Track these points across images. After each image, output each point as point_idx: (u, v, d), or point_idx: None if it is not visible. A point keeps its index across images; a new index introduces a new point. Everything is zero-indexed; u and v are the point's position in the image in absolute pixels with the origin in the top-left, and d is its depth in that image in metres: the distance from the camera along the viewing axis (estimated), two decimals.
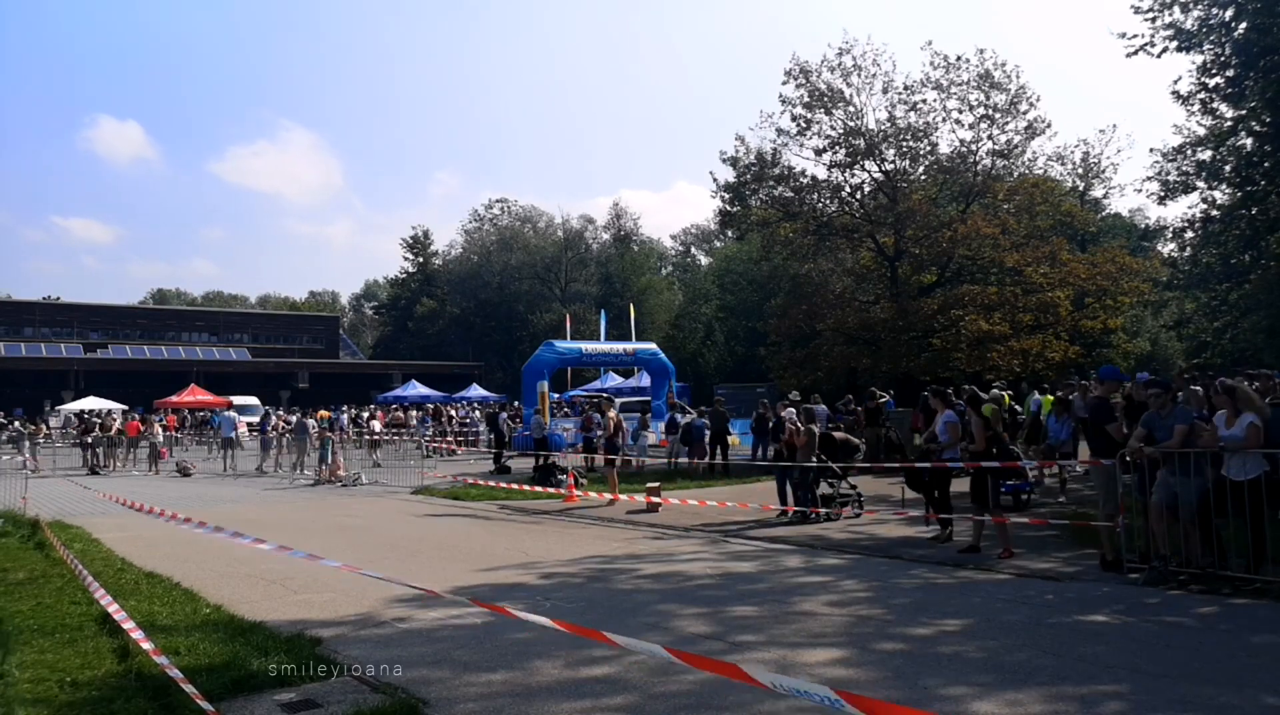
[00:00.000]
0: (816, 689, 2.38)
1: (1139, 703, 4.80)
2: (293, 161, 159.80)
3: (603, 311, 42.88)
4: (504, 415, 26.73)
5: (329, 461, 21.16)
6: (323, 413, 32.55)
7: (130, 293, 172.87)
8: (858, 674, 5.46)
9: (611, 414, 16.43)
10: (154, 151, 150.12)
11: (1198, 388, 11.40)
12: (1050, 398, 15.31)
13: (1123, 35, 20.74)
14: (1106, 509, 8.52)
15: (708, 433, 20.30)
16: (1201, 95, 21.19)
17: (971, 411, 10.12)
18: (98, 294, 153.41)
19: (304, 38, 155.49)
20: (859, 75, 29.18)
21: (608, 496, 14.84)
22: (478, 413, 39.39)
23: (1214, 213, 22.68)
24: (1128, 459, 8.21)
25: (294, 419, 26.23)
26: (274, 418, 27.89)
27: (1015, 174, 31.40)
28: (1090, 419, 9.08)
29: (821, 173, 30.50)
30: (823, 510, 12.31)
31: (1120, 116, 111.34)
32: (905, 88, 29.27)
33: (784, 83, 29.66)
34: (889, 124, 29.52)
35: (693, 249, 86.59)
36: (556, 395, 31.51)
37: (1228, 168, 22.00)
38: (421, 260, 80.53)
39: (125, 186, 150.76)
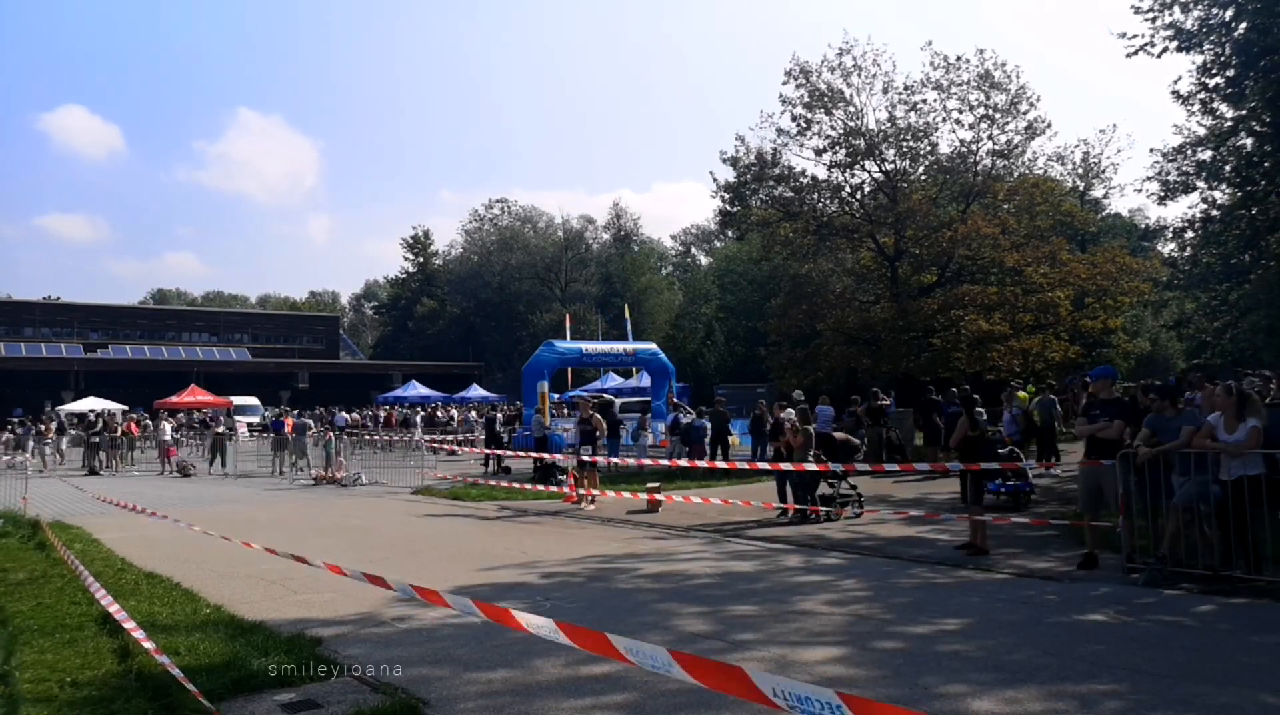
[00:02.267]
0: (819, 691, 2.38)
1: (1138, 702, 4.81)
2: (280, 160, 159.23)
3: (599, 312, 42.86)
4: (499, 416, 26.94)
5: (330, 462, 21.19)
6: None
7: (130, 293, 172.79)
8: (856, 672, 5.46)
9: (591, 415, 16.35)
10: (123, 143, 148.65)
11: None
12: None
13: (1123, 35, 20.76)
14: (1087, 507, 8.88)
15: (708, 433, 20.32)
16: (1201, 95, 21.19)
17: (964, 410, 10.17)
18: (97, 294, 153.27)
19: (292, 31, 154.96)
20: (859, 75, 29.16)
21: (610, 495, 14.83)
22: (473, 413, 39.43)
23: (1214, 213, 22.69)
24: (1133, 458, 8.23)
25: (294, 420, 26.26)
26: (286, 419, 27.79)
27: (1015, 174, 31.36)
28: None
29: (821, 173, 30.49)
30: (823, 510, 12.31)
31: (1120, 116, 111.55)
32: (905, 88, 29.24)
33: (784, 83, 29.64)
34: (889, 124, 29.50)
35: (693, 249, 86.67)
36: (557, 395, 31.51)
37: (1228, 168, 22.00)
38: (421, 260, 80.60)
39: (97, 181, 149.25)
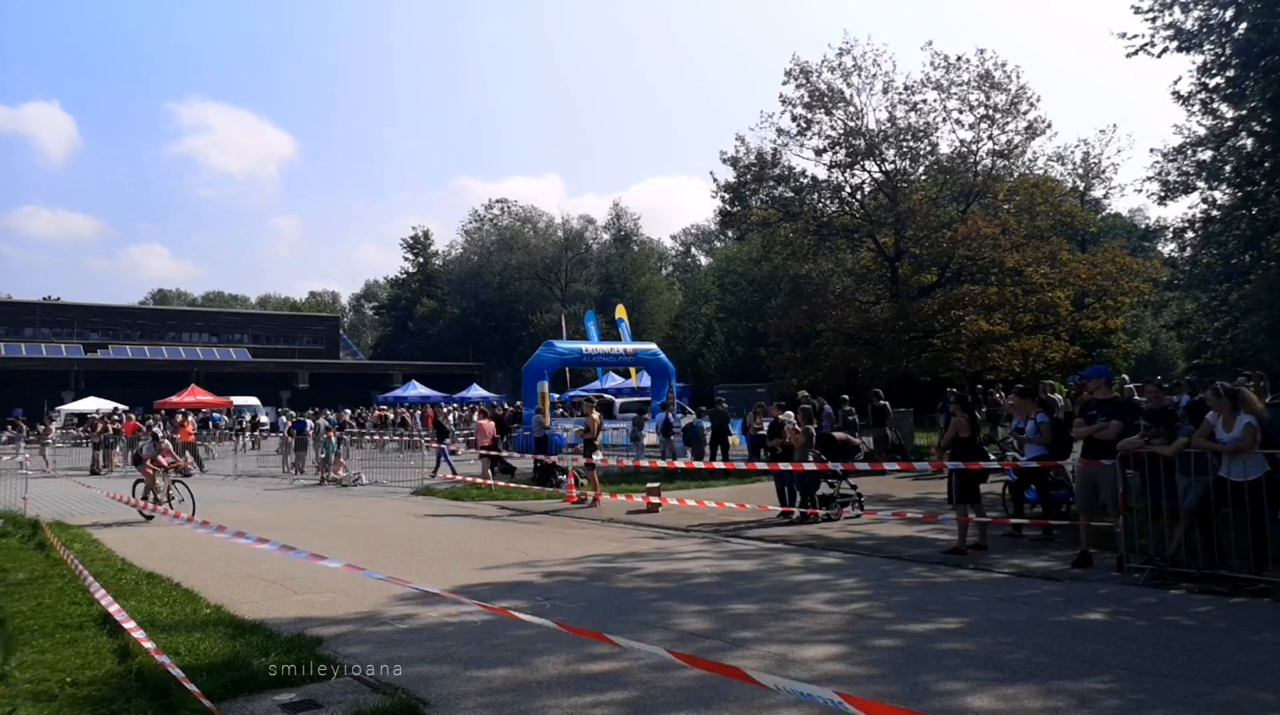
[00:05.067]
0: (818, 691, 2.39)
1: (1137, 701, 4.81)
2: (267, 156, 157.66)
3: (589, 313, 42.56)
4: (449, 412, 26.46)
5: (331, 461, 21.19)
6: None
7: (130, 293, 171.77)
8: (855, 670, 5.47)
9: (595, 416, 16.42)
10: (80, 136, 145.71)
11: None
12: None
13: (1123, 35, 20.79)
14: (1082, 507, 8.96)
15: (708, 433, 20.31)
16: (1202, 95, 21.21)
17: (958, 410, 10.17)
18: (98, 294, 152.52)
19: (282, 23, 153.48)
20: (859, 75, 29.23)
21: (591, 496, 14.91)
22: (475, 415, 39.15)
23: (1214, 213, 22.70)
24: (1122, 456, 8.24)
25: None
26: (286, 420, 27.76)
27: (1015, 174, 31.41)
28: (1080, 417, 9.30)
29: (822, 173, 30.56)
30: (822, 511, 12.31)
31: (1120, 116, 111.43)
32: (905, 88, 29.32)
33: (784, 83, 29.74)
34: (889, 124, 29.55)
35: (693, 249, 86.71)
36: (557, 395, 31.49)
37: (1228, 168, 22.02)
38: (421, 261, 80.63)
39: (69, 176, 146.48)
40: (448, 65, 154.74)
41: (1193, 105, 21.80)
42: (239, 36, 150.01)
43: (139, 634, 5.57)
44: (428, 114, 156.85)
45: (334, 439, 21.99)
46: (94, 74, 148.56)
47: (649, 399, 28.37)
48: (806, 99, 29.42)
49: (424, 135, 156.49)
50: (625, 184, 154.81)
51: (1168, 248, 33.05)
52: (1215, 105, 21.44)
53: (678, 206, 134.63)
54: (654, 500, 14.06)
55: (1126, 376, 24.59)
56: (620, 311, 39.97)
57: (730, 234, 52.36)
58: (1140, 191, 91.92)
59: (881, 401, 19.69)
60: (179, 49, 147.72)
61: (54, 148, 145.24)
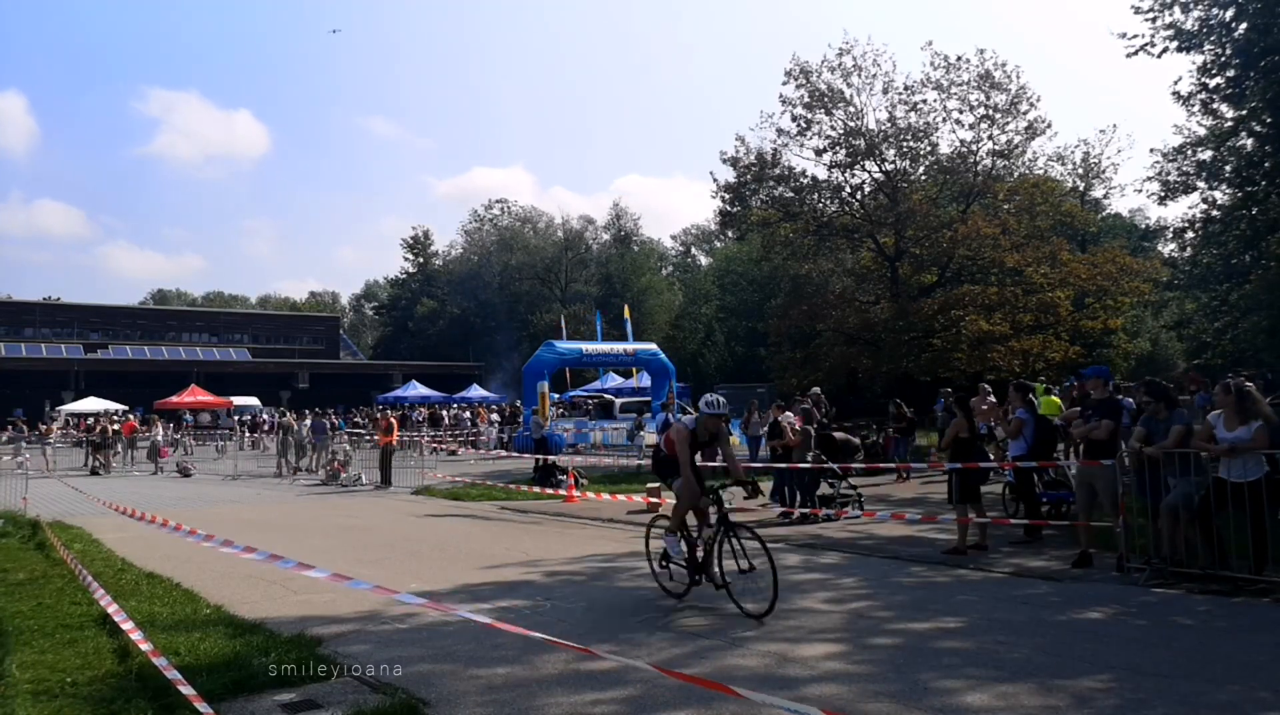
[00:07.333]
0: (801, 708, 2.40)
1: (1136, 700, 4.81)
2: (249, 152, 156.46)
3: (597, 312, 42.66)
4: (307, 422, 23.56)
5: (331, 461, 21.19)
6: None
7: (130, 293, 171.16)
8: (854, 668, 5.48)
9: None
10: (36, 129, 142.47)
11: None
12: None
13: (1123, 35, 20.83)
14: (1082, 507, 8.94)
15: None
16: (1202, 96, 21.24)
17: (958, 410, 10.18)
18: (97, 294, 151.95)
19: (271, 15, 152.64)
20: (859, 75, 29.25)
21: (606, 496, 14.90)
22: (466, 414, 39.05)
23: (1214, 213, 22.73)
24: (1126, 460, 8.24)
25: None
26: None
27: (1015, 174, 31.43)
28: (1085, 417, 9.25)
29: (822, 173, 30.58)
30: (822, 511, 12.31)
31: (1120, 116, 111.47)
32: (905, 88, 29.34)
33: (784, 83, 29.77)
34: (889, 124, 29.56)
35: (693, 249, 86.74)
36: (557, 395, 31.50)
37: (1228, 168, 22.05)
38: (422, 261, 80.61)
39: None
40: (441, 58, 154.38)
41: (1193, 105, 21.84)
42: (213, 28, 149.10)
43: (136, 635, 5.56)
44: (418, 107, 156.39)
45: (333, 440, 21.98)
46: (62, 65, 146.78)
47: (649, 399, 28.38)
48: (806, 99, 29.44)
49: (409, 127, 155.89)
50: (607, 183, 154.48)
51: (1168, 248, 33.10)
52: (1215, 105, 21.48)
53: (677, 206, 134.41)
54: (654, 500, 14.05)
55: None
56: (624, 312, 40.16)
57: (730, 234, 52.35)
58: (1140, 191, 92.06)
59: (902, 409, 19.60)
60: (153, 40, 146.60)
61: (16, 141, 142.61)
